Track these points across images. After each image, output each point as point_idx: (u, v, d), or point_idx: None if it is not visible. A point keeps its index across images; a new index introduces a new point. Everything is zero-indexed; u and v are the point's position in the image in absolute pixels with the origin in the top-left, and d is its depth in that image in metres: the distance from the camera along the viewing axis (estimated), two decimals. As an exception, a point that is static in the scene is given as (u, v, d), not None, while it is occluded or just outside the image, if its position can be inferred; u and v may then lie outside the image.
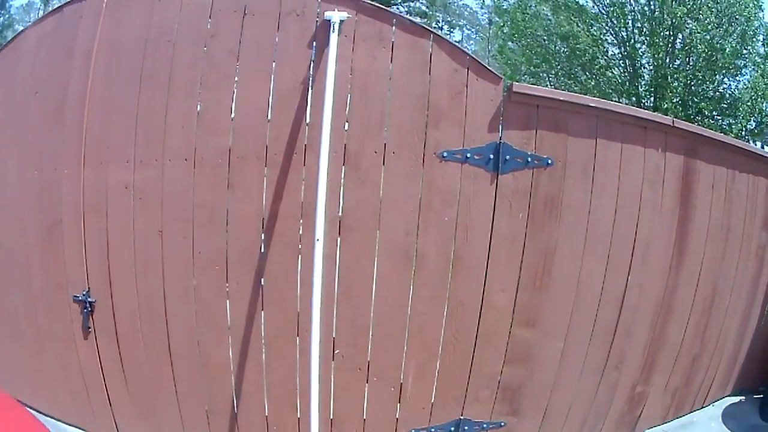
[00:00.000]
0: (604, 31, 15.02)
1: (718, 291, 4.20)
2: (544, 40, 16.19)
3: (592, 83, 15.36)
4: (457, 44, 3.47)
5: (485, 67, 3.42)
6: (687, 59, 14.22)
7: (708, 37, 13.50)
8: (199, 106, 3.37)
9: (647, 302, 3.87)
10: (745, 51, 14.08)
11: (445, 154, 3.44)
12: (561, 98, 3.46)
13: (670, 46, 13.43)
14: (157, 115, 3.40)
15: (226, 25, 3.43)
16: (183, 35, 3.43)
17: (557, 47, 16.15)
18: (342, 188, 3.37)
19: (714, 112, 14.66)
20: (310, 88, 3.36)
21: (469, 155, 3.43)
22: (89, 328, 3.52)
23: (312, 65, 3.37)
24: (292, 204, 3.39)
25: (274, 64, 3.41)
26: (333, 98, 3.22)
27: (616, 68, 15.56)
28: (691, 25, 13.51)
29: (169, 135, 3.38)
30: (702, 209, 3.97)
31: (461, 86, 3.43)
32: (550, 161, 3.45)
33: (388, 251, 3.42)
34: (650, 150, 3.66)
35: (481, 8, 33.69)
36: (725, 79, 14.48)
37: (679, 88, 13.32)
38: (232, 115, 3.36)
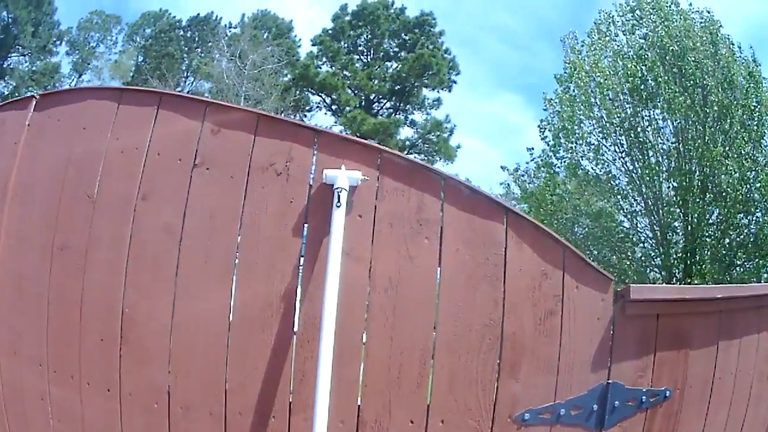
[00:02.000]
0: (635, 202, 15.49)
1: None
2: (572, 223, 15.97)
3: (627, 263, 15.24)
4: (544, 227, 2.42)
5: (589, 263, 2.40)
6: (720, 208, 14.07)
7: (739, 174, 13.41)
8: (123, 310, 2.41)
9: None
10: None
11: (526, 416, 2.34)
12: (687, 296, 2.59)
13: (700, 200, 14.01)
14: (70, 310, 2.49)
15: (165, 181, 2.48)
16: (106, 191, 2.53)
17: (588, 230, 15.97)
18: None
19: (744, 259, 14.40)
20: (297, 304, 2.30)
21: (563, 411, 2.36)
22: None
23: (301, 263, 2.33)
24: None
25: (237, 256, 2.36)
26: (335, 326, 2.17)
27: (647, 242, 15.50)
28: (726, 165, 13.41)
29: (85, 345, 2.46)
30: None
31: (554, 301, 2.35)
32: (668, 393, 2.51)
33: None
34: (763, 334, 2.79)
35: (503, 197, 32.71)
36: (757, 216, 14.32)
37: (713, 243, 13.86)
38: (170, 336, 2.36)
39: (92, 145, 2.57)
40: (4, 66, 23.64)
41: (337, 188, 2.24)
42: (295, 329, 2.28)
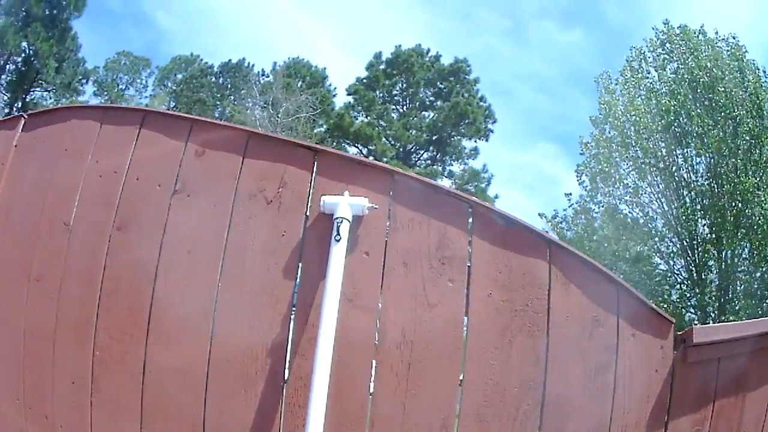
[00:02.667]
0: (671, 243, 15.62)
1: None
2: (611, 269, 15.91)
3: (664, 306, 15.48)
4: (595, 262, 2.10)
5: (647, 304, 2.09)
6: (753, 242, 14.00)
7: None
8: (94, 352, 2.18)
9: None
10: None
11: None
12: (749, 333, 2.30)
13: (734, 236, 13.94)
14: (44, 346, 2.31)
15: (142, 209, 2.26)
16: (82, 219, 2.35)
17: (626, 274, 16.02)
18: None
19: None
20: (287, 361, 1.95)
21: (610, 482, 2.02)
22: None
23: (293, 311, 1.98)
24: None
25: (216, 299, 2.04)
26: (333, 389, 1.84)
27: (684, 283, 15.54)
28: (757, 196, 13.44)
29: (58, 386, 2.27)
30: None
31: (607, 353, 2.04)
32: (723, 444, 2.25)
33: None
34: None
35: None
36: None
37: (747, 278, 13.93)
38: (142, 388, 2.08)
39: (72, 168, 2.42)
40: (27, 100, 24.06)
41: (338, 218, 1.94)
42: (284, 390, 1.97)
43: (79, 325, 2.24)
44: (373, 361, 1.96)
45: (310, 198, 2.08)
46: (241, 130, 2.20)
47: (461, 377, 1.97)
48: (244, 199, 2.09)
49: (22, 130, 2.60)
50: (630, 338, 2.10)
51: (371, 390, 1.95)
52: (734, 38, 14.89)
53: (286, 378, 1.96)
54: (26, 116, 2.64)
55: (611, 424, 2.06)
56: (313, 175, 2.08)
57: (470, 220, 2.02)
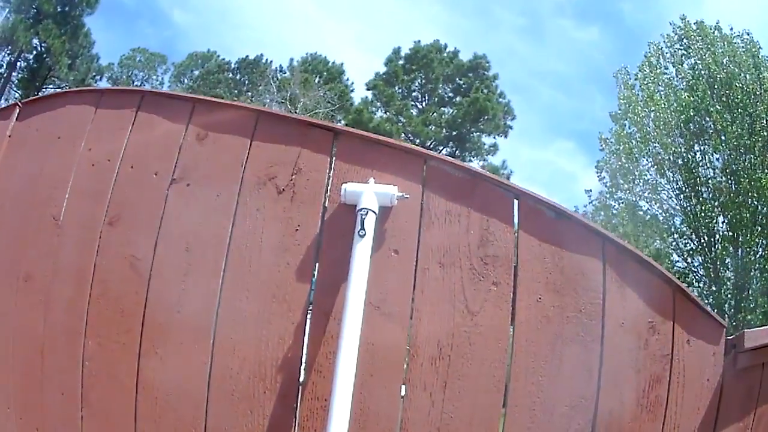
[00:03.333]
0: (690, 241, 15.91)
1: None
2: None
3: None
4: (649, 260, 1.89)
5: (701, 306, 1.90)
6: None
7: None
8: (83, 362, 2.00)
9: None
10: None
11: None
12: None
13: (750, 233, 14.30)
14: (33, 353, 2.15)
15: (136, 201, 2.06)
16: (73, 213, 2.16)
17: None
18: None
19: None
20: (301, 378, 1.75)
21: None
22: None
23: (308, 322, 1.78)
24: None
25: (218, 304, 1.83)
26: (355, 411, 1.63)
27: (701, 281, 15.81)
28: None
29: (47, 397, 2.12)
30: None
31: (662, 363, 1.83)
32: (762, 450, 2.08)
33: None
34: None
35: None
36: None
37: (764, 275, 14.16)
38: (135, 404, 1.90)
39: (64, 158, 2.29)
40: (39, 96, 24.48)
41: (362, 210, 1.72)
42: (298, 413, 1.77)
43: (68, 331, 2.09)
44: (404, 378, 1.76)
45: (328, 186, 1.89)
46: (249, 109, 1.98)
47: (505, 396, 1.74)
48: (251, 188, 1.89)
49: (16, 120, 2.48)
50: (685, 345, 1.95)
51: (400, 412, 1.73)
52: (749, 34, 15.11)
53: (299, 398, 1.77)
54: (21, 104, 2.50)
55: (663, 435, 1.90)
56: (333, 159, 1.87)
57: (516, 212, 1.77)
